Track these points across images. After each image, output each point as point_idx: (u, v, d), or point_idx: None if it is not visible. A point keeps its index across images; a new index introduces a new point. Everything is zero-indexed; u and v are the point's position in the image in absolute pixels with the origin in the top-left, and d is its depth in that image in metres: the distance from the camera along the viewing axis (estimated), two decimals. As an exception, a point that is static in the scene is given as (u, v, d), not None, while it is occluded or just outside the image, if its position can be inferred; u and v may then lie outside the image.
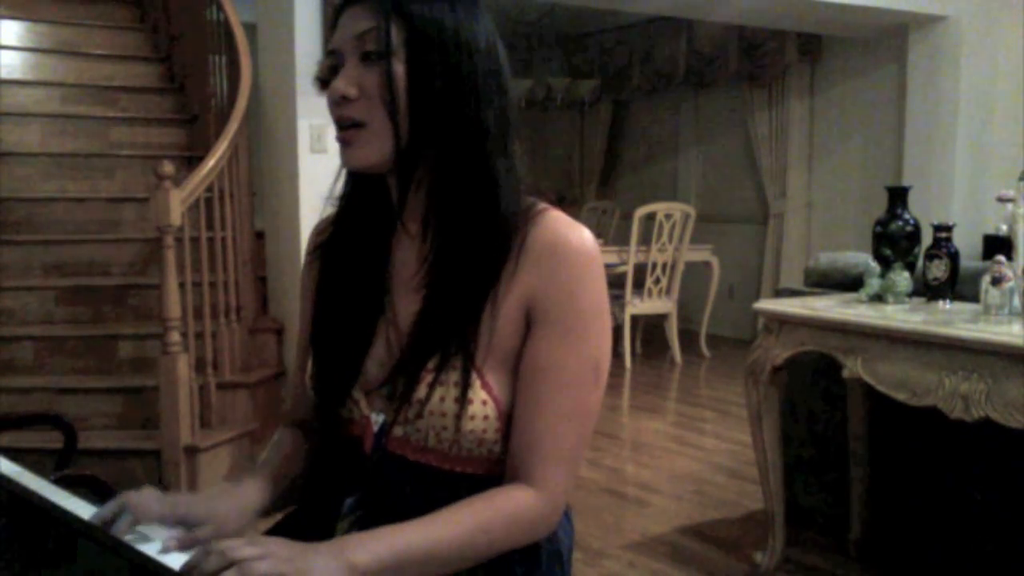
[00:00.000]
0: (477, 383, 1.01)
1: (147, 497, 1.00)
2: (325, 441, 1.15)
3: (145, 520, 0.99)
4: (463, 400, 1.01)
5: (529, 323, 1.03)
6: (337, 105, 1.02)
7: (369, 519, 1.05)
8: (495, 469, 1.05)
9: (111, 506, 0.99)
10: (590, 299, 1.03)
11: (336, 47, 1.03)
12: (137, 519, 0.98)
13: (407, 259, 1.08)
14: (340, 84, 1.01)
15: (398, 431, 1.05)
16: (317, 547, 0.90)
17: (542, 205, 1.06)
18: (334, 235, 1.14)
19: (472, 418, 1.01)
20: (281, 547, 0.88)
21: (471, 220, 1.02)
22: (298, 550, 0.88)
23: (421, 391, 1.02)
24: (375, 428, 1.07)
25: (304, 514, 1.18)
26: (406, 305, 1.07)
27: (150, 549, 0.93)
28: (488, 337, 1.02)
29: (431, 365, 1.02)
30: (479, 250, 1.02)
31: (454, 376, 1.01)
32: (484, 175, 1.03)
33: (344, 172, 1.11)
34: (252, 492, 1.09)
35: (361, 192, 1.10)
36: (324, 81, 1.04)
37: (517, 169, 1.06)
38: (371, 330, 1.09)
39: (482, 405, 1.01)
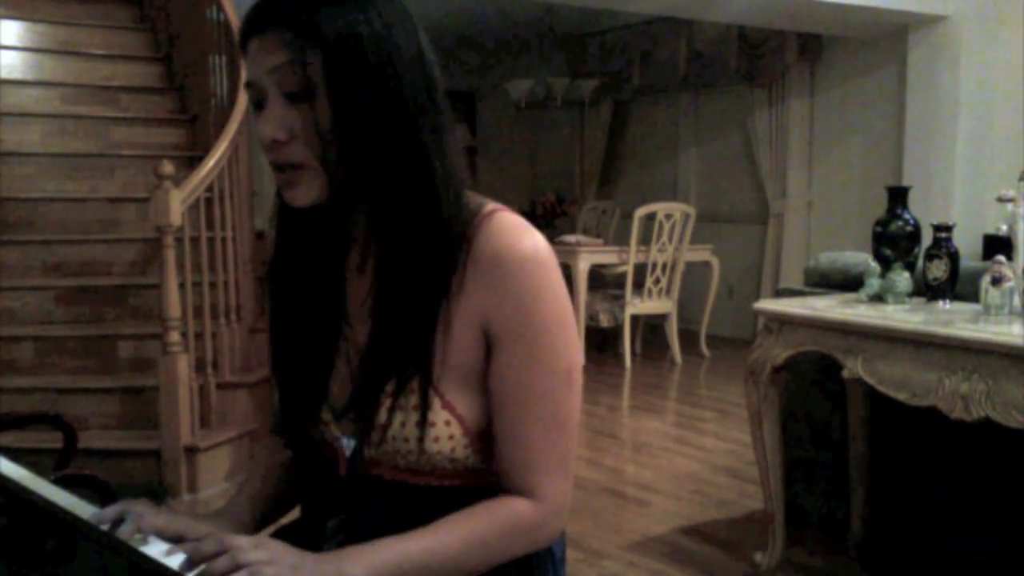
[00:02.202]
0: (438, 404, 0.99)
1: (148, 507, 1.01)
2: (302, 464, 1.15)
3: (146, 526, 0.99)
4: (424, 423, 0.99)
5: (489, 340, 0.99)
6: (269, 149, 0.96)
7: (353, 540, 1.02)
8: (474, 479, 1.04)
9: (113, 510, 0.99)
10: (549, 308, 0.99)
11: (253, 80, 0.96)
12: (140, 526, 0.98)
13: (357, 283, 1.05)
14: (268, 129, 0.94)
15: (368, 453, 1.04)
16: (318, 556, 0.91)
17: (489, 206, 1.01)
18: (280, 261, 1.09)
19: (436, 440, 1.00)
20: (286, 554, 0.89)
21: (412, 238, 0.97)
22: (301, 558, 0.89)
23: (382, 416, 1.00)
24: (347, 452, 1.06)
25: (290, 532, 1.17)
26: (362, 328, 1.04)
27: (152, 551, 0.93)
28: (443, 355, 0.99)
29: (389, 389, 1.00)
30: (423, 267, 0.97)
31: (413, 400, 0.99)
32: (422, 189, 0.97)
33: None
34: (243, 517, 1.11)
35: (301, 215, 1.03)
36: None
37: (457, 171, 1.00)
38: (331, 354, 1.07)
39: (445, 426, 1.00)
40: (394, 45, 0.95)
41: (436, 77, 1.00)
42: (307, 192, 0.97)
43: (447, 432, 1.00)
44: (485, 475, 1.04)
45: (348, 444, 1.06)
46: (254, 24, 0.95)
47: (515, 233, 0.99)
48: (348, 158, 0.95)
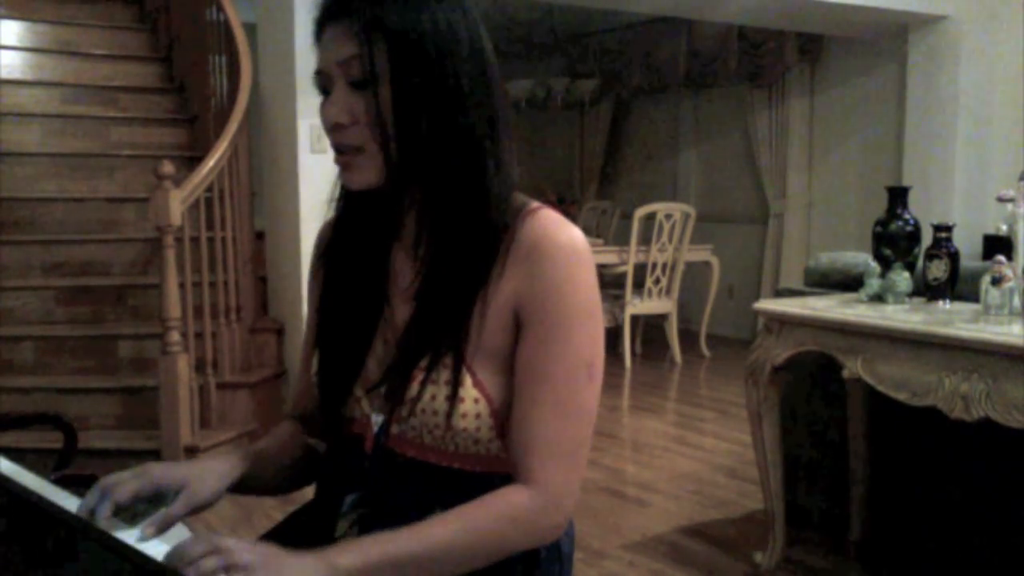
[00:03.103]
0: (468, 381, 1.02)
1: (122, 476, 1.02)
2: (329, 439, 1.17)
3: (123, 498, 1.00)
4: (454, 398, 1.01)
5: (519, 323, 1.03)
6: (332, 131, 1.02)
7: (369, 517, 1.06)
8: (494, 466, 1.05)
9: (92, 495, 1.00)
10: (579, 297, 1.02)
11: (323, 69, 1.02)
12: (117, 501, 0.99)
13: (403, 267, 1.09)
14: (332, 112, 1.01)
15: (395, 429, 1.06)
16: (304, 552, 0.91)
17: (534, 204, 1.06)
18: (335, 240, 1.15)
19: (464, 416, 1.02)
20: (263, 546, 0.90)
21: (461, 228, 1.02)
22: (280, 550, 0.90)
23: (413, 389, 1.03)
24: (375, 428, 1.08)
25: (306, 512, 1.19)
26: (403, 310, 1.08)
27: (128, 537, 0.94)
28: (478, 336, 1.02)
29: (422, 364, 1.02)
30: (469, 256, 1.02)
31: (445, 375, 1.02)
32: (474, 183, 1.02)
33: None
34: (226, 464, 1.11)
35: (358, 199, 1.10)
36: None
37: (508, 169, 1.05)
38: (371, 331, 1.10)
39: (474, 403, 1.02)
40: (455, 42, 1.01)
41: (495, 77, 1.05)
42: (363, 175, 1.03)
43: (475, 410, 1.02)
44: (505, 464, 1.05)
45: (376, 419, 1.08)
46: (326, 16, 1.02)
47: (555, 225, 1.03)
48: (404, 145, 1.00)
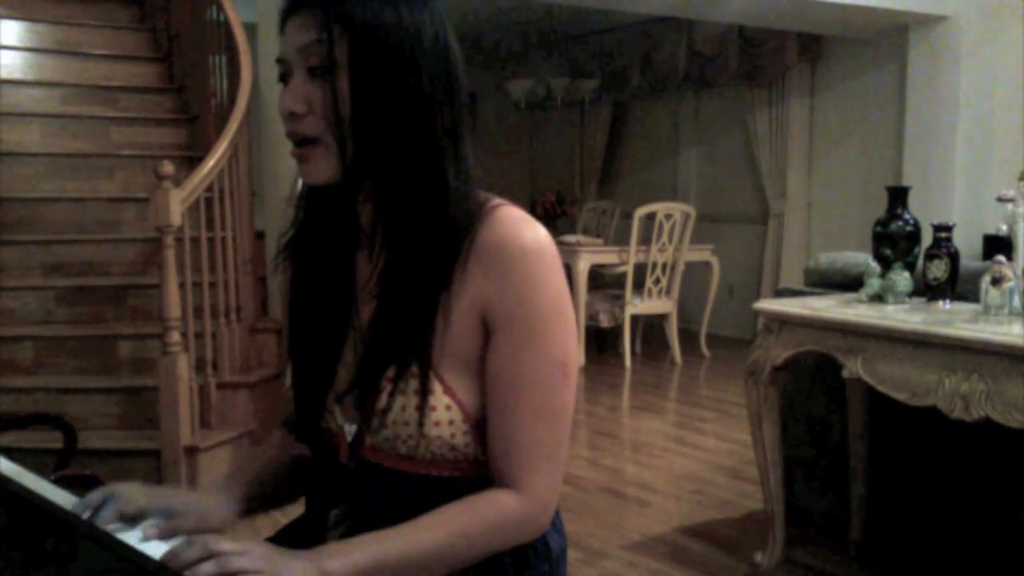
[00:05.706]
0: (439, 389, 1.00)
1: (132, 488, 1.03)
2: (311, 450, 1.16)
3: (129, 508, 1.00)
4: (424, 407, 1.00)
5: (488, 328, 1.01)
6: (288, 120, 1.00)
7: (355, 529, 1.04)
8: (474, 470, 1.04)
9: (97, 495, 1.01)
10: (547, 298, 1.00)
11: (283, 57, 1.01)
12: (122, 509, 1.00)
13: (366, 268, 1.07)
14: (288, 101, 0.99)
15: (369, 441, 1.05)
16: (295, 552, 0.92)
17: (495, 201, 1.04)
18: (297, 241, 1.13)
19: (437, 424, 1.00)
20: (259, 547, 0.90)
21: (419, 227, 1.00)
22: (275, 552, 0.90)
23: (382, 401, 1.01)
24: (349, 438, 1.07)
25: (297, 526, 1.18)
26: (367, 313, 1.06)
27: (130, 537, 0.94)
28: (444, 341, 1.00)
29: (390, 374, 1.01)
30: (428, 256, 1.00)
31: (414, 384, 1.00)
32: (432, 182, 1.00)
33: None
34: (232, 494, 1.12)
35: (320, 198, 1.08)
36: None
37: (469, 167, 1.03)
38: (340, 338, 1.08)
39: (446, 411, 1.00)
40: (418, 39, 0.99)
41: (459, 77, 1.03)
42: (320, 169, 1.01)
43: (447, 417, 1.01)
44: (484, 466, 1.04)
45: (350, 430, 1.07)
46: (292, 7, 1.01)
47: (518, 225, 1.01)
48: (361, 138, 0.98)
